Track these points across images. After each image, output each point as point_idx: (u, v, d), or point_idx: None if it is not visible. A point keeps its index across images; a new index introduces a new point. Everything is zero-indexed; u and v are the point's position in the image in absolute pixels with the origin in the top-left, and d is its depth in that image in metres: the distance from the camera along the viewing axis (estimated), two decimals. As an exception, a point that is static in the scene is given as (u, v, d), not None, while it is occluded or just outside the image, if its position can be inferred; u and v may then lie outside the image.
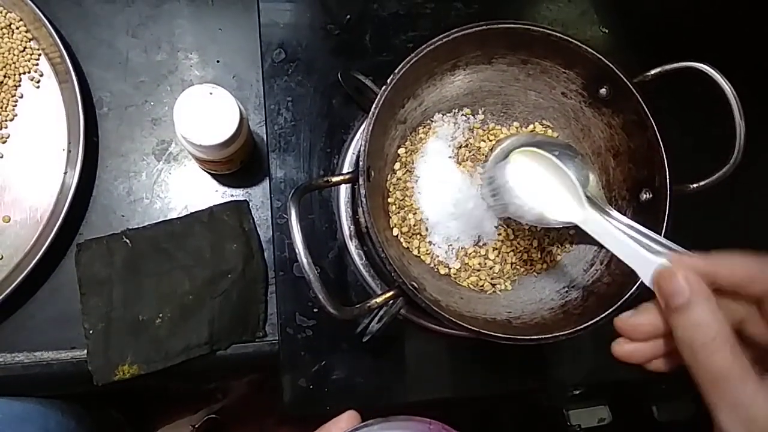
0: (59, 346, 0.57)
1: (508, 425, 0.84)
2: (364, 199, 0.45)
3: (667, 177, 0.48)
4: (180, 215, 0.60)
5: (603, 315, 0.46)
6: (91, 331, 0.56)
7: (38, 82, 0.61)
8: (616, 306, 0.46)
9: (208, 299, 0.58)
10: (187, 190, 0.61)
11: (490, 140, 0.57)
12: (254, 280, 0.59)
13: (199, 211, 0.60)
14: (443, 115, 0.57)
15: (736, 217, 0.64)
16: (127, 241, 0.58)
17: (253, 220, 0.61)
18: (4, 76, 0.60)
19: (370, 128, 0.46)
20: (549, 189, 0.47)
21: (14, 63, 0.60)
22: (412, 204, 0.54)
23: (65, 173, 0.59)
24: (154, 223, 0.59)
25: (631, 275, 0.47)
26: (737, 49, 0.66)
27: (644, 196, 0.51)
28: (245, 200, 0.61)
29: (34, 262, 0.54)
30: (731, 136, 0.48)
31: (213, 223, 0.59)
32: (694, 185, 0.49)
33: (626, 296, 0.46)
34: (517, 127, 0.58)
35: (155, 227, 0.59)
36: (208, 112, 0.51)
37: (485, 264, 0.54)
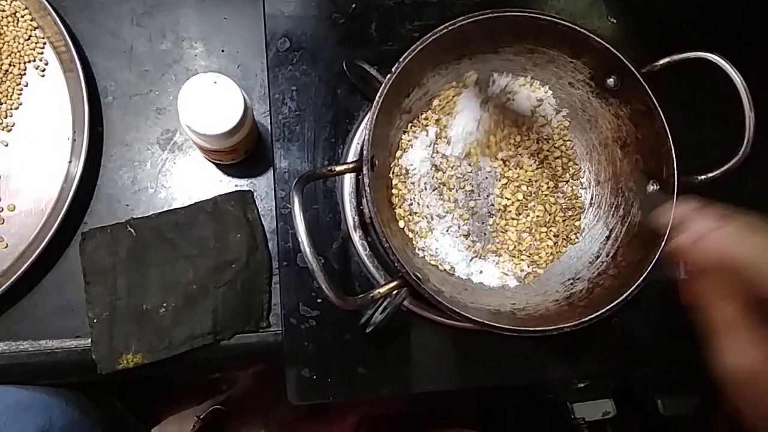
0: (63, 335, 0.57)
1: (513, 417, 0.84)
2: (367, 189, 0.45)
3: (675, 168, 0.48)
4: (184, 205, 0.60)
5: (608, 307, 0.45)
6: (95, 320, 0.56)
7: (43, 70, 0.61)
8: (621, 298, 0.45)
9: (212, 289, 0.58)
10: (192, 180, 0.61)
11: (496, 131, 0.57)
12: (258, 271, 0.59)
13: (204, 200, 0.60)
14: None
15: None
16: (132, 230, 0.58)
17: (258, 210, 0.61)
18: (9, 65, 0.59)
19: (375, 117, 0.46)
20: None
21: (19, 51, 0.60)
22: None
23: (70, 162, 0.59)
24: (159, 212, 0.59)
25: (638, 267, 0.47)
26: (747, 39, 0.65)
27: (651, 187, 0.50)
28: (249, 190, 0.61)
29: (38, 250, 0.54)
30: (740, 127, 0.47)
31: (217, 213, 0.59)
32: (702, 177, 0.49)
33: (632, 288, 0.46)
34: (523, 118, 0.57)
35: (159, 217, 0.59)
36: (213, 101, 0.51)
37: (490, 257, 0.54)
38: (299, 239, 0.40)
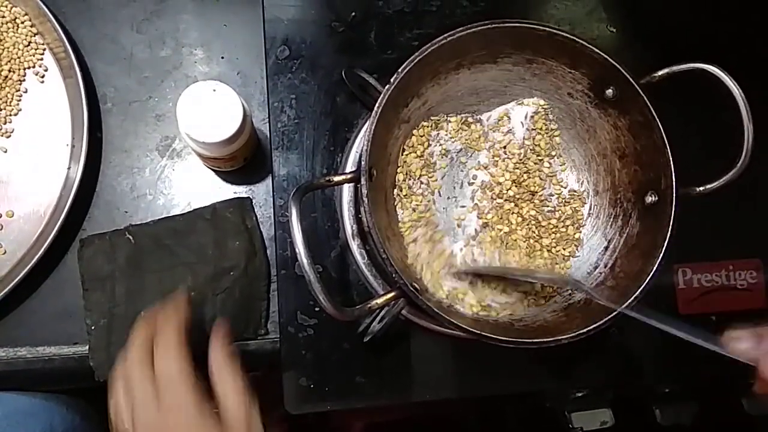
0: (61, 342, 0.57)
1: (511, 426, 0.84)
2: (365, 199, 0.45)
3: (674, 179, 0.48)
4: (183, 212, 0.60)
5: (606, 318, 0.45)
6: (93, 327, 0.56)
7: (43, 77, 0.61)
8: (618, 309, 0.45)
9: (210, 296, 0.58)
10: (191, 187, 0.61)
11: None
12: (257, 278, 0.59)
13: (202, 207, 0.60)
14: (447, 115, 0.56)
15: (742, 221, 0.63)
16: (130, 237, 0.58)
17: (256, 217, 0.61)
18: (9, 71, 0.60)
19: (373, 127, 0.46)
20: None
21: (19, 57, 0.60)
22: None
23: (69, 168, 0.59)
24: (157, 219, 0.59)
25: (636, 278, 0.47)
26: (746, 50, 0.65)
27: (650, 198, 0.50)
28: (248, 197, 0.61)
29: (37, 257, 0.54)
30: (739, 138, 0.47)
31: (216, 220, 0.59)
32: (701, 188, 0.49)
33: (630, 300, 0.45)
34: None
35: (158, 223, 0.59)
36: (211, 109, 0.51)
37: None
38: (297, 250, 0.40)
